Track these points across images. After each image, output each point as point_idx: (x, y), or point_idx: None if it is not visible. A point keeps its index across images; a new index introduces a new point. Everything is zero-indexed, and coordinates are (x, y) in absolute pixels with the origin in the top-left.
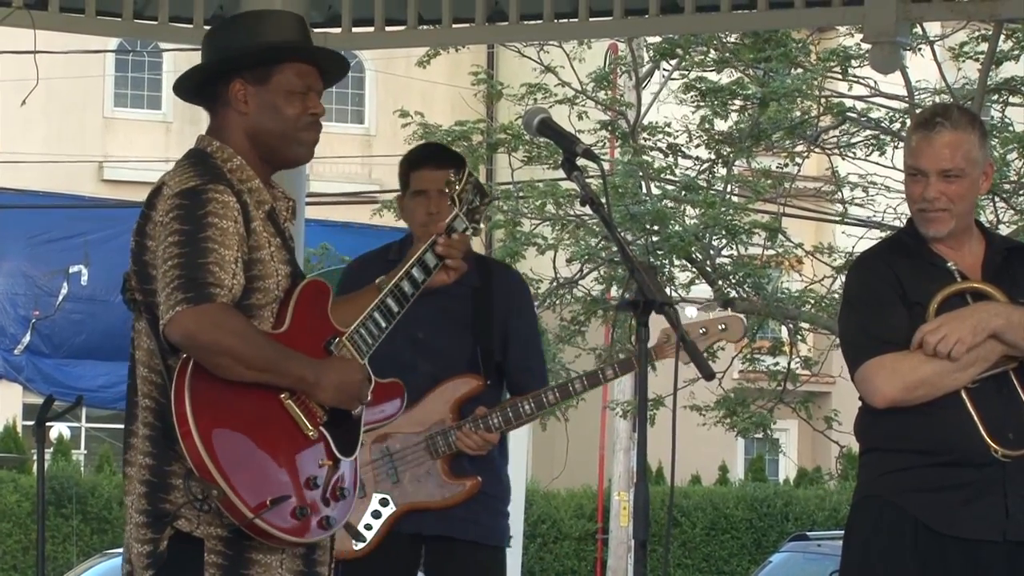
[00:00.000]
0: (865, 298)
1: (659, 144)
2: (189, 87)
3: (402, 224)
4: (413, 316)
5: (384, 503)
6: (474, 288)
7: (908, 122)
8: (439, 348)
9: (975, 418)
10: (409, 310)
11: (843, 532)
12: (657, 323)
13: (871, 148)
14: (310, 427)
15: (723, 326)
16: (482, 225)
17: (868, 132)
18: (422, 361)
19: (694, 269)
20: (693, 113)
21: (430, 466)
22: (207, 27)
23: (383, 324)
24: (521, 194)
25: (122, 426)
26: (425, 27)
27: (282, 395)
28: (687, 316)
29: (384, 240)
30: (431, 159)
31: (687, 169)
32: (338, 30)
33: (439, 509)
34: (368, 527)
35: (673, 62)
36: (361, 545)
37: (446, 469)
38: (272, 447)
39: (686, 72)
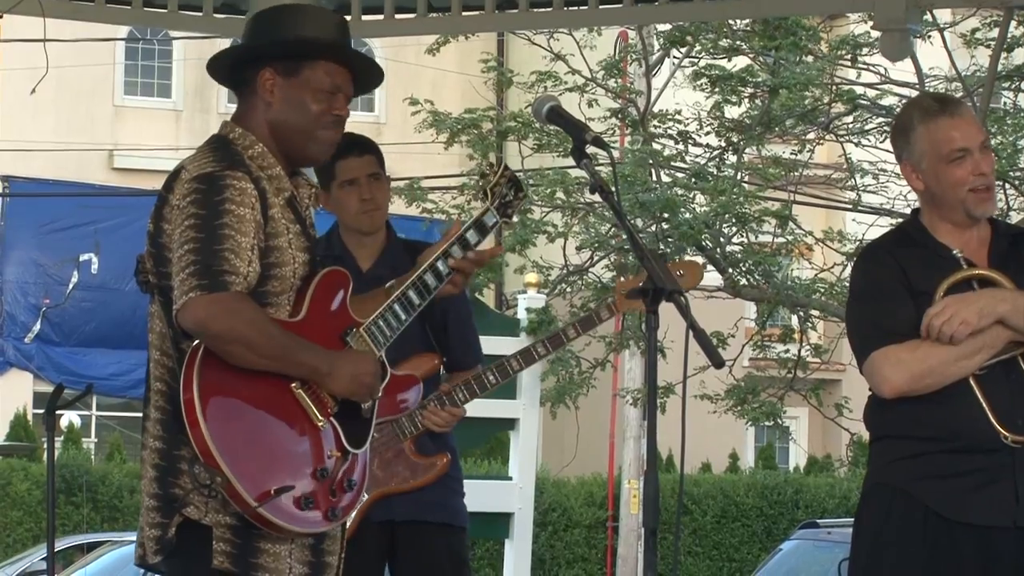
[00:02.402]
0: (870, 290)
1: (669, 132)
2: (221, 69)
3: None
4: None
5: None
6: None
7: None
8: None
9: (984, 404)
10: None
11: (853, 520)
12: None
13: (883, 135)
14: (320, 417)
15: (680, 272)
16: (515, 219)
17: (880, 119)
18: None
19: (704, 257)
20: (707, 98)
21: (398, 449)
22: (216, 15)
23: (403, 316)
24: (531, 182)
25: (132, 414)
26: (435, 15)
27: (293, 384)
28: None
29: (395, 227)
30: (355, 147)
31: (697, 157)
32: (348, 18)
33: (409, 492)
34: None
35: (683, 50)
36: None
37: (413, 450)
38: (280, 436)
39: (696, 60)
